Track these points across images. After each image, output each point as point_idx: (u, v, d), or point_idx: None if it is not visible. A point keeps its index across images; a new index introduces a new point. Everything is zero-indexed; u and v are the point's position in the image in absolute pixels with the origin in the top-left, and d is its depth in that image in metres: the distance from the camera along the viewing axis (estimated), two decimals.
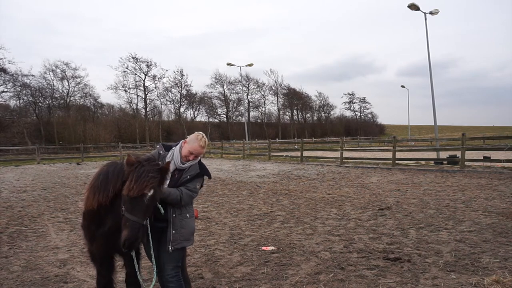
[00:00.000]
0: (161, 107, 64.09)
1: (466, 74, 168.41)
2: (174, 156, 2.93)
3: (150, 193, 2.42)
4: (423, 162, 16.30)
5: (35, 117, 51.27)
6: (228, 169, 17.82)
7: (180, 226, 2.84)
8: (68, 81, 53.66)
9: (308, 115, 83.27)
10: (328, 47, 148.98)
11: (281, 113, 77.23)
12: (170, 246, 2.79)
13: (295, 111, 79.86)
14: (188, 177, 2.88)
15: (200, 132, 3.03)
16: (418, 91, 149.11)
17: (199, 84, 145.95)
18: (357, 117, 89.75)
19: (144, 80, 58.51)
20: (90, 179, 2.86)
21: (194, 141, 2.90)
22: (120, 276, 3.53)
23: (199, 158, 3.00)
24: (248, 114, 69.82)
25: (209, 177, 3.08)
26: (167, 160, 2.88)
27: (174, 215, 2.82)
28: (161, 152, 2.98)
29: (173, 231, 2.80)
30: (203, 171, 2.98)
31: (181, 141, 3.00)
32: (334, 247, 4.89)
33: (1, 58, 44.68)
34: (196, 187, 2.92)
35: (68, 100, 54.36)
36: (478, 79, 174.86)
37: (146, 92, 59.14)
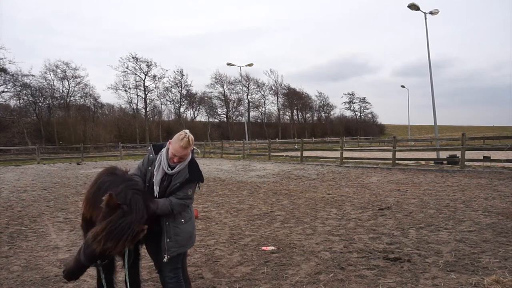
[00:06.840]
0: (161, 107, 64.23)
1: (464, 74, 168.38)
2: (162, 160, 2.73)
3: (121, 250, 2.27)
4: (423, 162, 16.31)
5: (35, 117, 51.29)
6: (228, 169, 17.82)
7: (175, 234, 2.69)
8: (68, 81, 53.77)
9: (308, 115, 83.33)
10: (328, 47, 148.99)
11: (281, 113, 77.30)
12: (165, 255, 2.68)
13: (295, 111, 79.89)
14: (178, 184, 2.68)
15: (184, 131, 2.74)
16: (415, 91, 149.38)
17: (199, 84, 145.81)
18: (357, 117, 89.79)
19: (144, 80, 58.65)
20: (89, 182, 2.85)
21: (175, 141, 2.66)
22: (120, 276, 3.52)
23: (189, 158, 2.75)
24: (248, 114, 69.88)
25: (201, 181, 2.81)
26: (156, 165, 2.71)
27: (167, 223, 2.68)
28: (151, 155, 2.80)
29: (167, 240, 2.67)
30: (193, 176, 2.72)
31: (167, 142, 2.77)
32: (334, 247, 4.89)
33: (1, 58, 44.82)
34: (188, 194, 2.71)
35: (68, 100, 54.38)
36: (476, 79, 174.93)
37: (146, 92, 59.22)
